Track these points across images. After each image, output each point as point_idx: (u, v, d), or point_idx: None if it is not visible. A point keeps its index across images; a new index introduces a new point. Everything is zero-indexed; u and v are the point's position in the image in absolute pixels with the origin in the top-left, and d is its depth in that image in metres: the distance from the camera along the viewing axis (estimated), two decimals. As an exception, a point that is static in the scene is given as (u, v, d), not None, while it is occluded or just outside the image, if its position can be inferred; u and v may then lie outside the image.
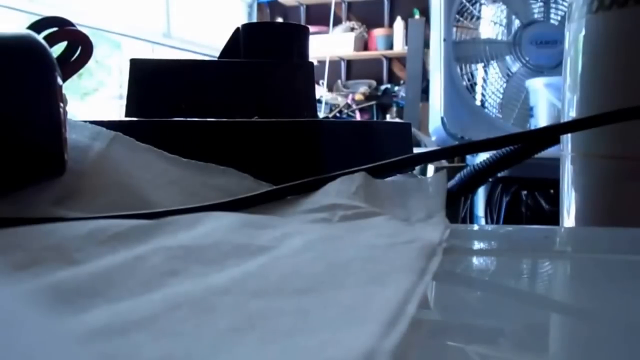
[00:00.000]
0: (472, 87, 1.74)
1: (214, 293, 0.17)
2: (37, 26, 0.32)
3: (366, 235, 0.26)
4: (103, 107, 3.12)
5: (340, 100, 3.85)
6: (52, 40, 0.31)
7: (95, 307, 0.16)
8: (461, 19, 1.73)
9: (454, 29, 1.71)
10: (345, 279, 0.20)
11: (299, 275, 0.20)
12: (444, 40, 1.67)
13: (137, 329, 0.15)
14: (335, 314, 0.16)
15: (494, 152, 0.39)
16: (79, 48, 0.33)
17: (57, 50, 0.32)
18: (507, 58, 1.72)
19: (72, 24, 0.33)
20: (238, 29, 0.51)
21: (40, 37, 0.28)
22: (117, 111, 2.98)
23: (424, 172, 1.38)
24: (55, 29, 0.32)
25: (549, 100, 1.43)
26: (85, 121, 0.35)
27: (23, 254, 0.20)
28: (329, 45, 3.59)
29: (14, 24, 2.49)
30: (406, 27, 3.69)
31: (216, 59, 0.51)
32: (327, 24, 3.66)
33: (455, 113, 1.66)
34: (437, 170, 1.32)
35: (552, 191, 1.22)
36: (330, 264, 0.21)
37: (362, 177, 0.34)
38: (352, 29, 4.00)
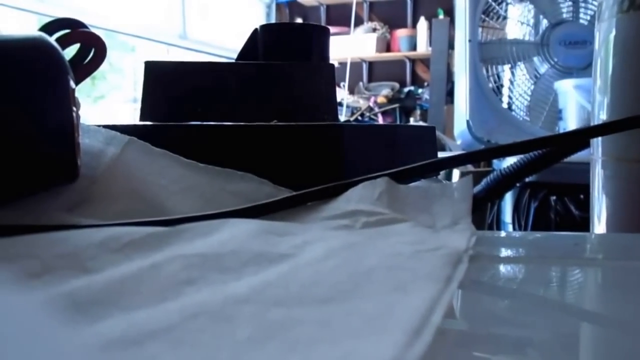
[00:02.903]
0: (498, 89, 1.73)
1: (232, 302, 0.17)
2: (49, 28, 0.32)
3: (390, 242, 0.26)
4: (117, 111, 3.15)
5: (362, 103, 3.85)
6: (64, 42, 0.32)
7: (111, 316, 0.16)
8: (487, 19, 1.72)
9: (480, 30, 1.70)
10: (368, 287, 0.19)
11: (321, 283, 0.20)
12: (470, 41, 1.66)
13: (153, 339, 0.15)
14: (358, 323, 0.16)
15: (522, 156, 0.38)
16: (92, 50, 0.34)
17: (69, 52, 0.32)
18: (535, 59, 1.71)
19: (85, 26, 0.34)
20: (256, 30, 0.51)
21: (52, 39, 0.28)
22: (131, 115, 3.00)
23: (449, 177, 1.38)
24: (67, 30, 0.33)
25: (579, 102, 1.41)
26: (99, 125, 0.36)
27: (36, 263, 0.20)
28: (350, 46, 3.59)
29: (25, 26, 2.53)
30: (430, 28, 3.69)
31: (233, 61, 0.51)
32: (348, 25, 3.67)
33: (481, 116, 1.66)
34: (462, 175, 1.31)
35: (582, 196, 1.20)
36: (353, 272, 0.21)
37: (385, 183, 0.34)
38: (374, 30, 4.00)
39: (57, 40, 0.31)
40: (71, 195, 0.30)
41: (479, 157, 0.43)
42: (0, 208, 0.27)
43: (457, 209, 0.32)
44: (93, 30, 0.35)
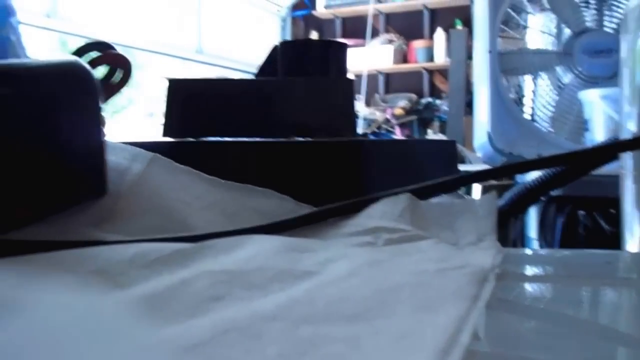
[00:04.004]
0: (520, 100, 1.72)
1: (260, 319, 0.18)
2: (81, 51, 0.34)
3: (413, 259, 0.26)
4: (133, 125, 3.18)
5: (379, 115, 3.85)
6: (95, 63, 0.33)
7: (143, 332, 0.17)
8: (507, 29, 1.72)
9: (499, 40, 1.70)
10: (394, 305, 0.20)
11: (347, 301, 0.20)
12: (489, 51, 1.66)
13: (187, 354, 0.15)
14: (386, 341, 0.17)
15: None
16: (120, 71, 0.35)
17: (98, 72, 0.34)
18: (558, 69, 1.70)
19: (113, 48, 0.35)
20: (276, 46, 0.52)
21: (85, 62, 0.30)
22: (147, 128, 3.03)
23: (469, 190, 1.37)
24: (98, 53, 0.34)
25: (606, 112, 1.40)
26: (125, 142, 0.37)
27: (71, 278, 0.21)
28: (367, 58, 3.60)
29: (48, 43, 2.59)
30: (447, 39, 3.69)
31: (251, 74, 0.52)
32: (364, 37, 3.68)
33: (502, 128, 1.65)
34: (484, 189, 1.31)
35: (612, 211, 1.18)
36: (378, 290, 0.21)
37: (407, 199, 0.34)
38: (391, 41, 4.01)
39: (89, 62, 0.32)
40: (98, 211, 0.30)
41: (501, 172, 0.43)
42: (35, 224, 0.28)
43: (481, 226, 0.33)
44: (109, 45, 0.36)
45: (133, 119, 3.24)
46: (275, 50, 0.52)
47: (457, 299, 0.21)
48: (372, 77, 3.88)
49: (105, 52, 0.34)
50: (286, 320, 0.18)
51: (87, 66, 0.29)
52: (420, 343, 0.17)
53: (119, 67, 0.35)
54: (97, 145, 0.29)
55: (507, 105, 1.69)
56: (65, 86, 0.28)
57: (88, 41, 0.37)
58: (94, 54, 0.34)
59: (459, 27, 3.68)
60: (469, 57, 2.95)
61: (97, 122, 0.29)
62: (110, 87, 0.35)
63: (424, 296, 0.21)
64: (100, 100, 0.29)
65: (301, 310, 0.19)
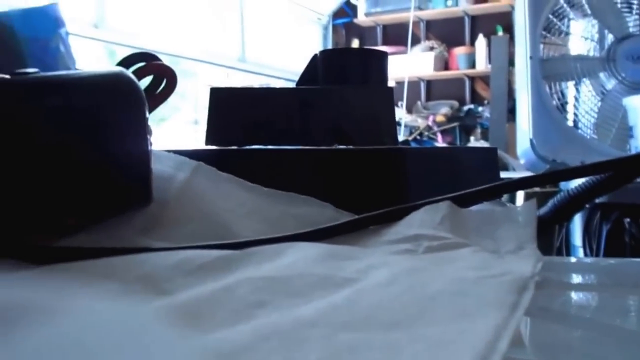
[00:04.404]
0: (562, 107, 1.69)
1: (302, 325, 0.18)
2: (127, 62, 0.35)
3: (453, 267, 0.26)
4: (178, 133, 3.24)
5: (420, 122, 3.83)
6: (140, 74, 0.34)
7: (189, 337, 0.17)
8: (548, 35, 1.69)
9: (541, 46, 1.67)
10: (433, 313, 0.20)
11: (386, 308, 0.20)
12: (531, 58, 1.64)
13: (230, 360, 0.16)
14: (424, 348, 0.17)
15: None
16: (164, 81, 0.36)
17: (144, 82, 0.35)
18: (601, 75, 1.66)
19: (158, 59, 0.36)
20: (316, 55, 0.53)
21: (130, 73, 0.31)
22: (192, 136, 3.08)
23: (512, 197, 1.35)
24: (143, 63, 0.35)
25: (651, 119, 1.37)
26: (169, 151, 0.37)
27: (118, 284, 0.21)
28: (408, 65, 3.59)
29: (96, 53, 2.66)
30: (489, 45, 3.65)
31: (293, 83, 0.53)
32: (405, 44, 3.67)
33: (545, 135, 1.62)
34: (527, 195, 1.28)
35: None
36: (418, 297, 0.21)
37: (447, 207, 0.34)
38: (432, 48, 3.99)
39: (134, 72, 0.33)
40: (144, 219, 0.31)
41: (544, 179, 0.43)
42: (84, 232, 0.29)
43: (521, 234, 0.32)
44: (154, 54, 0.37)
45: (179, 126, 3.29)
46: (315, 58, 0.52)
47: (496, 306, 0.21)
48: (414, 84, 3.87)
49: (150, 62, 0.35)
50: (326, 327, 0.18)
51: (133, 77, 0.30)
52: (458, 350, 0.17)
53: (164, 77, 0.36)
54: (143, 154, 0.30)
55: (549, 112, 1.66)
56: (112, 97, 0.29)
57: (135, 51, 0.38)
58: (139, 65, 0.35)
59: (500, 33, 3.63)
60: (511, 63, 2.91)
61: (144, 131, 0.30)
62: (156, 97, 0.36)
63: (463, 304, 0.21)
64: (146, 110, 0.30)
65: (341, 317, 0.19)
